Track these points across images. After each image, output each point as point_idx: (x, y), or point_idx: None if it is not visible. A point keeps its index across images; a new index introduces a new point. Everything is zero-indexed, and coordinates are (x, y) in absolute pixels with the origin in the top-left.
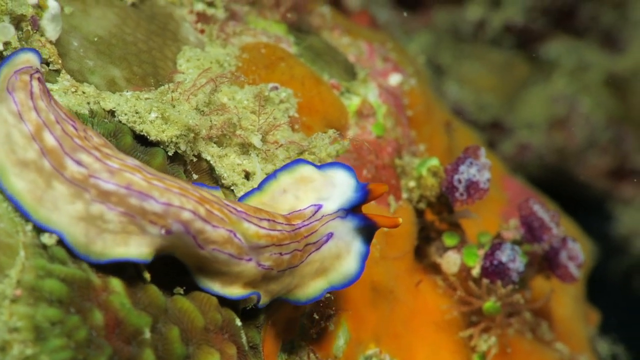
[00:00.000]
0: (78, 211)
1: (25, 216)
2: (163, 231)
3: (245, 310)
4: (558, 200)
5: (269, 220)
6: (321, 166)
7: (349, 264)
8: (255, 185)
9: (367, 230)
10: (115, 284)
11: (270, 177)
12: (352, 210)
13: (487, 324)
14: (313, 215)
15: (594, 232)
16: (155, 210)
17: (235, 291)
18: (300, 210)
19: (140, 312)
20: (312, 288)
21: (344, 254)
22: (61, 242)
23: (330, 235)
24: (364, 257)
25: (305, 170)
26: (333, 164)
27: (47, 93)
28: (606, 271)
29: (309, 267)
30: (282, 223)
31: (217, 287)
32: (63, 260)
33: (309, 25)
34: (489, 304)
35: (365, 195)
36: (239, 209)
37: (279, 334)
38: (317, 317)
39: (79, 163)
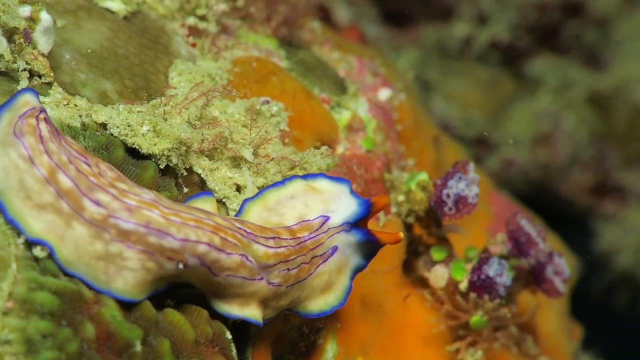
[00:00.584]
0: (97, 251)
1: (52, 256)
2: (180, 266)
3: (236, 324)
4: (542, 215)
5: (274, 238)
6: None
7: (345, 279)
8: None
9: (369, 245)
10: (107, 297)
11: (278, 183)
12: (356, 224)
13: (473, 338)
14: (320, 227)
15: (577, 247)
16: (173, 247)
17: (253, 312)
18: (309, 220)
19: (131, 325)
20: (324, 301)
21: (344, 268)
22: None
23: (335, 249)
24: (357, 272)
25: (319, 180)
26: (338, 179)
27: (56, 132)
28: (588, 287)
29: (317, 279)
30: (286, 239)
31: (236, 311)
32: (55, 273)
33: (300, 39)
34: (476, 318)
35: (368, 208)
36: (248, 230)
37: (269, 348)
38: (306, 330)
39: (97, 203)
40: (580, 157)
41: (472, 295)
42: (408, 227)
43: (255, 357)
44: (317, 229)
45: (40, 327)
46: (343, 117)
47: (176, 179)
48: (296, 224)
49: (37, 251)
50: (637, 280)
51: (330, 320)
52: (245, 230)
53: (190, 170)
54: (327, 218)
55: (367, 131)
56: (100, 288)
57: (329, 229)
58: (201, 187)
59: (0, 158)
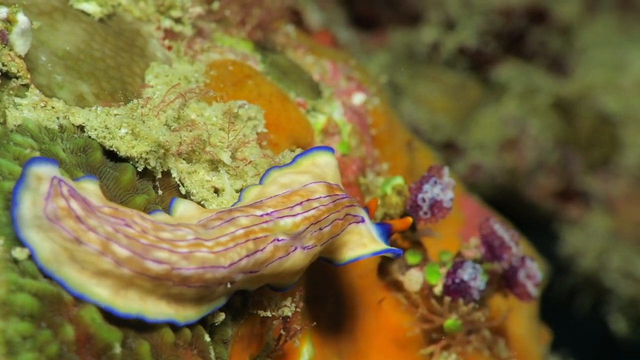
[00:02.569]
0: (161, 295)
1: (115, 315)
2: (229, 285)
3: (214, 326)
4: (508, 219)
5: (301, 203)
6: None
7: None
8: (228, 200)
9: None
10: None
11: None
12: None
13: (447, 341)
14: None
15: (542, 251)
16: (224, 275)
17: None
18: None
19: (110, 327)
20: (354, 252)
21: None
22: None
23: (362, 219)
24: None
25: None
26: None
27: (84, 200)
28: (552, 290)
29: (348, 235)
30: (319, 197)
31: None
32: (34, 275)
33: (274, 43)
34: (450, 321)
35: (389, 227)
36: (269, 211)
37: (246, 350)
38: (283, 333)
39: (158, 262)
40: (545, 162)
41: (447, 299)
42: None
43: (232, 358)
44: (352, 196)
45: (20, 329)
46: (318, 121)
47: (154, 182)
48: (335, 184)
49: (17, 253)
50: (599, 283)
51: (306, 323)
52: (267, 214)
53: (168, 173)
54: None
55: (342, 135)
56: (172, 320)
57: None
58: (179, 190)
59: (45, 242)
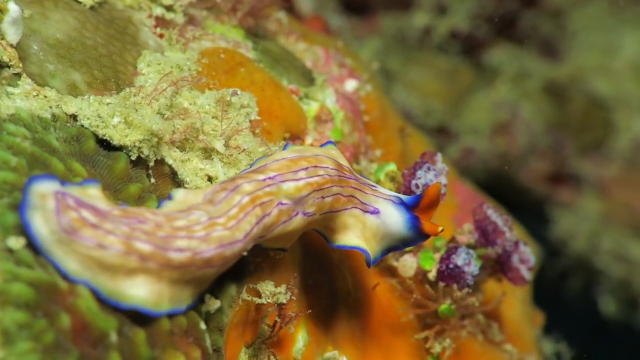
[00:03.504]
0: (187, 281)
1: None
2: (245, 253)
3: (209, 314)
4: (500, 203)
5: (307, 168)
6: None
7: (376, 246)
8: None
9: (412, 230)
10: (81, 287)
11: None
12: (408, 206)
13: (442, 326)
14: (369, 184)
15: (534, 234)
16: (242, 248)
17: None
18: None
19: (106, 315)
20: (351, 240)
21: (378, 236)
22: (29, 246)
23: (376, 211)
24: (390, 250)
25: None
26: None
27: (95, 208)
28: (544, 272)
29: (351, 219)
30: (326, 167)
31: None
32: (29, 264)
33: (266, 30)
34: (444, 306)
35: (421, 195)
36: (273, 174)
37: (241, 337)
38: (278, 320)
39: (180, 251)
40: (537, 145)
41: (441, 284)
42: None
43: (227, 346)
44: (364, 182)
45: (17, 318)
46: (311, 108)
47: (147, 170)
48: (347, 166)
49: (12, 242)
50: (590, 266)
51: (302, 309)
52: (270, 177)
53: (161, 161)
54: (375, 185)
55: (335, 122)
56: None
57: (377, 189)
58: (172, 179)
59: (71, 255)
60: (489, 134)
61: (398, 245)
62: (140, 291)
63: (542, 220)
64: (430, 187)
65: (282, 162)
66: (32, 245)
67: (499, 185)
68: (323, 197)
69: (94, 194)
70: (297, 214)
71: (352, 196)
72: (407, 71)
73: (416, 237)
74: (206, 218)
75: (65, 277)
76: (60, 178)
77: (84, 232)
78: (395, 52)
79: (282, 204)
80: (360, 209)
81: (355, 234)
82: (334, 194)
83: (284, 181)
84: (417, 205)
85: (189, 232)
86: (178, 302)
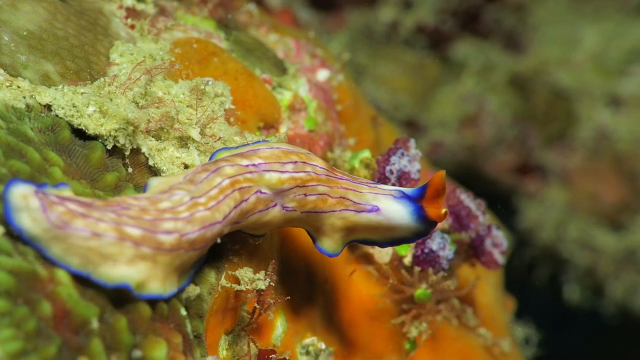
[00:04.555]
0: (176, 266)
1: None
2: (219, 240)
3: (189, 300)
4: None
5: (296, 162)
6: None
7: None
8: None
9: (419, 221)
10: (61, 275)
11: None
12: (413, 198)
13: (418, 311)
14: (367, 182)
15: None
16: (220, 230)
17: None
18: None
19: (87, 302)
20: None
21: (382, 231)
22: (7, 234)
23: (376, 209)
24: (398, 243)
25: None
26: None
27: (78, 200)
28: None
29: (340, 221)
30: (315, 165)
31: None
32: (8, 252)
33: (237, 22)
34: (420, 291)
35: (426, 185)
36: (257, 162)
37: (221, 324)
38: (257, 306)
39: (168, 233)
40: (503, 137)
41: (416, 269)
42: None
43: (207, 333)
44: (361, 181)
45: None
46: (285, 97)
47: (123, 160)
48: (339, 171)
49: None
50: (557, 255)
51: (280, 296)
52: (254, 164)
53: (137, 150)
54: (375, 183)
55: (309, 111)
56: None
57: (375, 186)
58: (148, 167)
59: (71, 250)
60: (457, 127)
61: (408, 237)
62: (136, 275)
63: (510, 211)
64: (435, 176)
65: (273, 151)
66: (41, 254)
67: (467, 177)
68: (306, 195)
69: (68, 194)
70: (275, 205)
71: (344, 197)
72: (375, 65)
73: (425, 226)
74: (188, 198)
75: (75, 274)
76: (37, 168)
77: (75, 223)
78: (363, 46)
79: (261, 192)
80: (354, 210)
81: (350, 235)
82: (319, 194)
83: (268, 170)
84: (423, 196)
85: (174, 213)
86: (171, 286)
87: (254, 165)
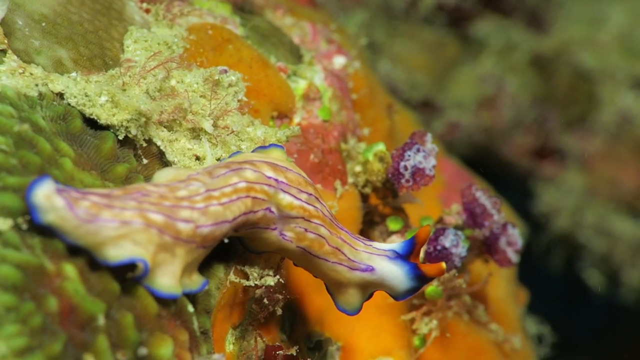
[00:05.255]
0: (188, 263)
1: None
2: (226, 240)
3: (197, 296)
4: (484, 177)
5: (310, 194)
6: None
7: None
8: None
9: (414, 279)
10: (69, 269)
11: None
12: (404, 256)
13: (428, 307)
14: (362, 239)
15: (517, 209)
16: (227, 230)
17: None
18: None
19: (94, 298)
20: (354, 298)
21: (375, 288)
22: (15, 227)
23: (370, 269)
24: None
25: None
26: None
27: (98, 192)
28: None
29: (333, 273)
30: (323, 206)
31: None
32: (16, 246)
33: (252, 4)
34: (432, 288)
35: (414, 240)
36: (280, 179)
37: (228, 318)
38: (265, 302)
39: (185, 221)
40: (522, 120)
41: None
42: (364, 198)
43: (214, 328)
44: (357, 237)
45: (4, 300)
46: (299, 86)
47: (135, 150)
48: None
49: None
50: (574, 240)
51: (289, 291)
52: (276, 180)
53: (149, 141)
54: (369, 240)
55: (323, 100)
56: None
57: (371, 246)
58: (160, 158)
59: (114, 241)
60: (474, 108)
61: (401, 294)
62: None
63: (526, 195)
64: (420, 231)
65: (297, 177)
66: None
67: (483, 159)
68: (306, 230)
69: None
70: (274, 228)
71: (339, 250)
72: (392, 43)
73: (420, 284)
74: (204, 190)
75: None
76: (47, 159)
77: (103, 214)
78: (381, 24)
79: (270, 210)
80: (347, 267)
81: (357, 291)
82: (318, 234)
83: (285, 191)
84: (411, 252)
85: (190, 202)
86: (190, 283)
87: (276, 180)
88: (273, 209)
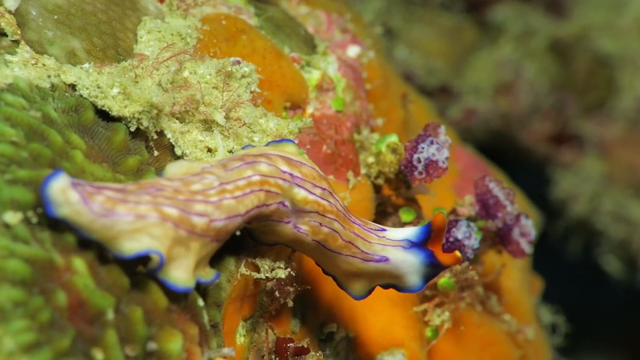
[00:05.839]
0: (202, 257)
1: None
2: (238, 233)
3: (207, 290)
4: (501, 164)
5: (324, 189)
6: None
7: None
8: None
9: (430, 267)
10: (78, 264)
11: None
12: (419, 244)
13: (441, 299)
14: (377, 229)
15: (534, 196)
16: (239, 224)
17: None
18: (366, 220)
19: (103, 292)
20: (365, 287)
21: (388, 278)
22: (25, 221)
23: (384, 259)
24: (410, 291)
25: None
26: None
27: (112, 187)
28: (545, 234)
29: (346, 265)
30: (337, 200)
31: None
32: (26, 240)
33: None
34: (444, 280)
35: (428, 228)
36: (295, 174)
37: (239, 311)
38: (276, 294)
39: (200, 215)
40: (540, 106)
41: None
42: (377, 189)
43: (225, 321)
44: (371, 227)
45: (12, 295)
46: (313, 77)
47: (147, 142)
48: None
49: (8, 217)
50: (591, 227)
51: (300, 283)
52: (291, 174)
53: (161, 133)
54: (382, 229)
55: (337, 91)
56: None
57: (384, 237)
58: (171, 150)
59: (129, 234)
60: (492, 94)
61: (417, 284)
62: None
63: (543, 181)
64: (435, 217)
65: (312, 171)
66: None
67: (500, 145)
68: (321, 224)
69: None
70: (288, 222)
71: (352, 243)
72: (409, 29)
73: (436, 271)
74: (217, 183)
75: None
76: (58, 152)
77: (118, 209)
78: (399, 9)
79: (283, 204)
80: (361, 259)
81: (363, 280)
82: (332, 229)
83: (299, 186)
84: (427, 238)
85: (205, 196)
86: (205, 275)
87: (291, 174)
88: (287, 202)
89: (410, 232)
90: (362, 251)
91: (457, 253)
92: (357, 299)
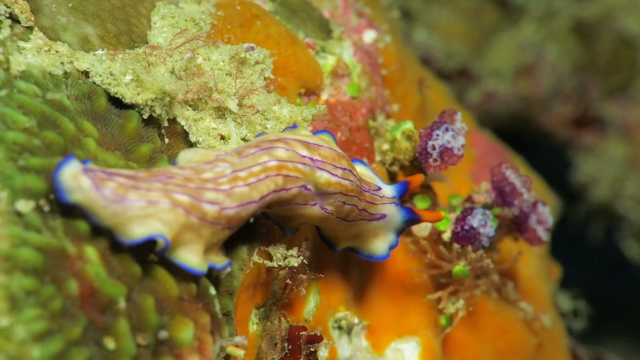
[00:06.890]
0: (213, 244)
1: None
2: (251, 220)
3: (219, 278)
4: (521, 147)
5: (345, 169)
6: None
7: (379, 247)
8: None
9: (409, 223)
10: (90, 252)
11: None
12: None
13: (455, 287)
14: (377, 190)
15: (555, 179)
16: (254, 210)
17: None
18: (369, 181)
19: (115, 281)
20: (346, 243)
21: (381, 235)
22: (37, 209)
23: (383, 217)
24: (393, 246)
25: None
26: None
27: (123, 174)
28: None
29: (355, 229)
30: (355, 176)
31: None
32: (38, 228)
33: None
34: (459, 268)
35: (406, 185)
36: (315, 157)
37: (251, 299)
38: (289, 282)
39: (211, 203)
40: (562, 88)
41: (455, 246)
42: (392, 176)
43: (237, 309)
44: (374, 189)
45: (24, 284)
46: (328, 62)
47: (159, 129)
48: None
49: (21, 205)
50: (613, 211)
51: (313, 271)
52: (311, 158)
53: (173, 120)
54: (379, 187)
55: (352, 77)
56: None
57: (383, 196)
58: (184, 138)
59: (140, 220)
60: (512, 77)
61: (395, 241)
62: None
63: (564, 165)
64: (416, 176)
65: (331, 152)
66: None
67: (520, 129)
68: (344, 203)
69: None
70: (315, 204)
71: (365, 210)
72: (429, 11)
73: (409, 225)
74: (230, 171)
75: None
76: (70, 139)
77: (130, 195)
78: None
79: (306, 188)
80: (367, 220)
81: (355, 240)
82: (353, 205)
83: (321, 169)
84: (404, 193)
85: (215, 184)
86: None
87: (311, 159)
88: (309, 186)
89: (395, 189)
90: (370, 213)
91: (442, 213)
92: (377, 259)
